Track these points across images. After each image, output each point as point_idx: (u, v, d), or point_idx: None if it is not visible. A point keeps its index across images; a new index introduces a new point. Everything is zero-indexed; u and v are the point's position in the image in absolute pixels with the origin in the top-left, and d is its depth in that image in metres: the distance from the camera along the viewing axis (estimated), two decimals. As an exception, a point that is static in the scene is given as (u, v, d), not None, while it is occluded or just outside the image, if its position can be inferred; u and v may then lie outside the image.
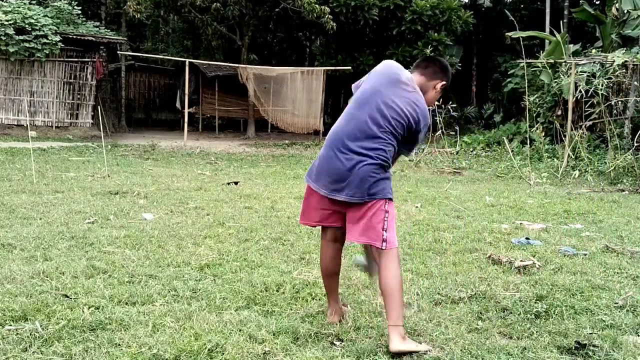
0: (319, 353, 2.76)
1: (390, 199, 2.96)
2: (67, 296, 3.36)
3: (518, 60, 16.56)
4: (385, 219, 2.89)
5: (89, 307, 3.20)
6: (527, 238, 5.19)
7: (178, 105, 22.43)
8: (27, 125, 15.02)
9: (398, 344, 2.74)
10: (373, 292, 3.65)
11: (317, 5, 17.23)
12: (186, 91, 16.76)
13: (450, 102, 12.29)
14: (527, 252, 4.74)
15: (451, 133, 13.09)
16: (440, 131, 11.85)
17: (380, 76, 3.05)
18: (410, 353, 2.75)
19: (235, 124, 23.02)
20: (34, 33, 15.66)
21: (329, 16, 17.55)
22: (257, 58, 22.13)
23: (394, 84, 2.99)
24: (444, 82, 3.14)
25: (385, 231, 2.88)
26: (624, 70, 11.21)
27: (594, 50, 14.09)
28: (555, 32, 15.65)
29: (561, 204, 7.28)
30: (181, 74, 19.37)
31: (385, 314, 2.88)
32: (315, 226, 3.32)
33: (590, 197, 7.96)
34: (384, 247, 2.87)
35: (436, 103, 11.31)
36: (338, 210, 3.03)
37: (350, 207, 2.95)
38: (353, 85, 3.18)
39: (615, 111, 11.77)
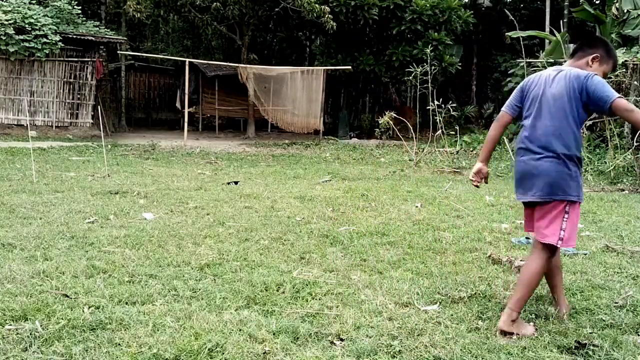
0: (319, 353, 2.76)
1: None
2: (67, 296, 3.36)
3: (518, 60, 16.56)
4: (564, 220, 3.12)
5: (89, 307, 3.20)
6: (527, 238, 5.18)
7: (178, 105, 22.44)
8: (27, 125, 15.03)
9: (503, 324, 3.05)
10: (373, 292, 3.65)
11: (317, 5, 17.23)
12: (186, 91, 16.77)
13: (450, 102, 12.27)
14: (527, 251, 4.74)
15: (451, 132, 13.07)
16: (440, 131, 11.83)
17: None
18: (517, 335, 3.02)
19: (235, 124, 23.02)
20: (34, 33, 15.67)
21: (329, 16, 17.55)
22: (257, 58, 22.13)
23: None
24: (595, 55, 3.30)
25: (563, 230, 3.11)
26: (624, 70, 11.21)
27: (594, 50, 14.05)
28: (555, 32, 15.65)
29: (561, 203, 7.27)
30: (181, 74, 19.38)
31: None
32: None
33: (590, 197, 7.95)
34: (558, 245, 3.13)
35: (436, 102, 11.39)
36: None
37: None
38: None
39: (615, 111, 11.75)
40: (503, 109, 3.47)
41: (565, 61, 11.19)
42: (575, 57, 3.37)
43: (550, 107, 3.18)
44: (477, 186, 3.55)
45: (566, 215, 3.10)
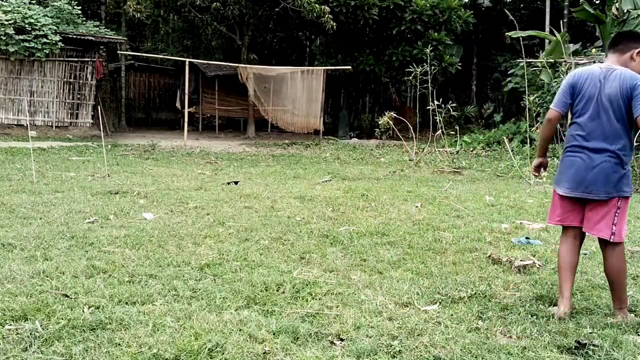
0: (319, 352, 2.76)
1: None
2: (67, 296, 3.36)
3: (518, 60, 16.57)
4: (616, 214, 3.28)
5: (89, 307, 3.20)
6: (527, 237, 5.19)
7: (178, 105, 22.44)
8: (27, 125, 15.03)
9: (619, 319, 3.24)
10: (373, 292, 3.65)
11: (317, 5, 17.23)
12: (186, 91, 16.77)
13: (450, 102, 12.27)
14: (527, 251, 4.75)
15: (451, 132, 13.06)
16: (440, 131, 11.84)
17: None
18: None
19: (235, 124, 23.02)
20: (34, 33, 15.67)
21: (329, 16, 17.55)
22: (257, 58, 22.13)
23: None
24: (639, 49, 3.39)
25: (615, 225, 3.26)
26: (624, 70, 11.20)
27: (593, 50, 14.11)
28: (555, 32, 15.66)
29: (561, 203, 7.27)
30: (181, 74, 19.38)
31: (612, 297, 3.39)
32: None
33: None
34: (612, 240, 3.27)
35: (436, 102, 11.38)
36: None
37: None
38: None
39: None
40: (553, 107, 3.48)
41: (565, 61, 11.06)
42: (618, 50, 3.42)
43: (607, 109, 3.27)
44: (541, 178, 3.73)
45: (618, 211, 3.26)
